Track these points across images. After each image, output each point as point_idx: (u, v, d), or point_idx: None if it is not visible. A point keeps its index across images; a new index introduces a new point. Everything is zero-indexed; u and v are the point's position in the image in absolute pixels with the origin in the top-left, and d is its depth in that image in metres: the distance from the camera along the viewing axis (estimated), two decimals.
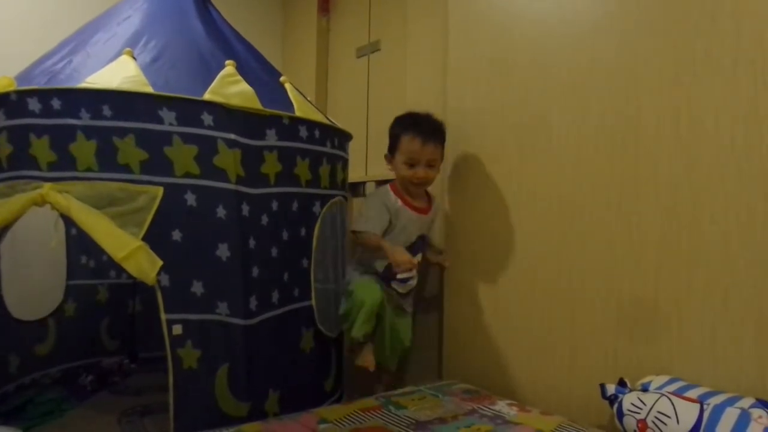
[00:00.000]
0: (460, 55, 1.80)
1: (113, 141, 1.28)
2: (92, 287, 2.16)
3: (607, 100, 1.34)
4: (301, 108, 1.56)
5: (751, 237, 1.08)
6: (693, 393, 1.06)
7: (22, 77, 1.40)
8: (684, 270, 1.18)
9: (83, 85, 1.30)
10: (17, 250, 1.88)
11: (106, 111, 1.28)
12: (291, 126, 1.50)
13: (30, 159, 1.30)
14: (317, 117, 1.62)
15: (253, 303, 1.40)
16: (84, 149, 1.28)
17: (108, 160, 1.28)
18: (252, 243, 1.41)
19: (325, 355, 1.66)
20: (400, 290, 1.69)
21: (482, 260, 1.68)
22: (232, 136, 1.37)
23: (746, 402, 0.99)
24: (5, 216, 1.29)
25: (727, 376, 1.10)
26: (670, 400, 1.03)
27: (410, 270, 1.60)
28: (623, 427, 1.10)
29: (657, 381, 1.14)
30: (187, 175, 1.32)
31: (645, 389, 1.13)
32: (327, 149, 1.63)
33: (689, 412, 0.99)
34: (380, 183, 1.96)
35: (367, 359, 1.60)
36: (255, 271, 1.42)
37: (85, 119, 1.28)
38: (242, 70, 1.47)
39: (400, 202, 1.65)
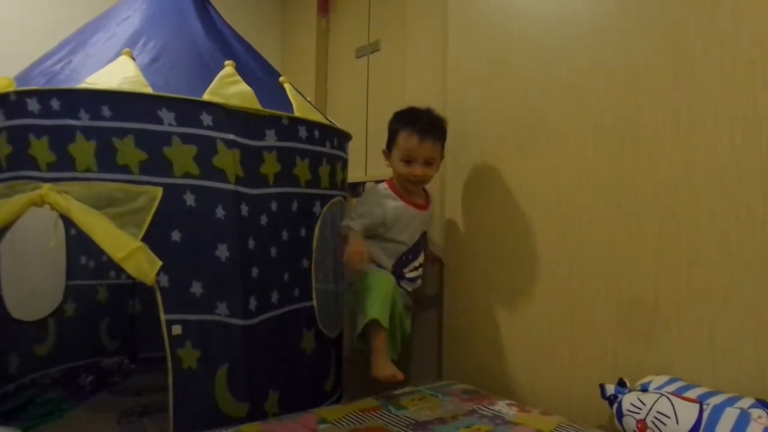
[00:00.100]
0: (460, 55, 1.80)
1: (112, 141, 1.28)
2: (92, 287, 2.15)
3: (607, 100, 1.34)
4: (301, 108, 1.56)
5: (750, 237, 1.08)
6: (692, 393, 1.06)
7: (21, 78, 1.40)
8: (683, 270, 1.18)
9: (82, 85, 1.30)
10: (17, 250, 1.88)
11: (106, 111, 1.28)
12: (290, 126, 1.50)
13: (29, 159, 1.30)
14: (317, 117, 1.62)
15: (252, 303, 1.40)
16: (83, 150, 1.28)
17: (107, 161, 1.28)
18: (251, 243, 1.41)
19: (325, 356, 1.66)
20: (409, 289, 1.67)
21: (482, 260, 1.68)
22: (231, 136, 1.37)
23: (746, 402, 0.99)
24: (4, 216, 1.29)
25: (726, 376, 1.10)
26: (669, 400, 1.03)
27: (361, 261, 1.46)
28: (623, 428, 1.10)
29: (656, 381, 1.14)
30: (187, 175, 1.32)
31: (644, 389, 1.13)
32: (326, 149, 1.63)
33: (689, 413, 0.99)
34: (380, 183, 1.95)
35: (387, 367, 1.40)
36: (254, 272, 1.42)
37: (84, 120, 1.28)
38: (241, 71, 1.47)
39: (399, 200, 1.61)
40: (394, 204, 1.59)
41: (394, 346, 1.58)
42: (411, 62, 2.07)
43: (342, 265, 1.69)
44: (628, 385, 1.17)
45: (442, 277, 1.83)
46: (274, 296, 1.47)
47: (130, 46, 1.41)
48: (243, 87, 1.42)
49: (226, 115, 1.36)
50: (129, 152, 1.28)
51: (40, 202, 1.27)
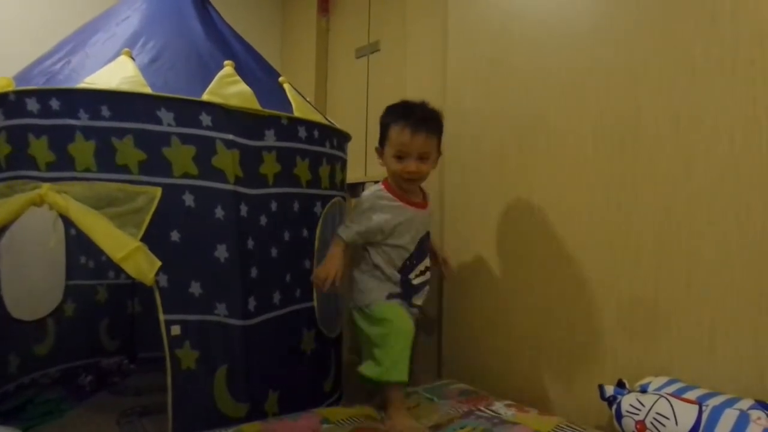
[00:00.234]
0: (460, 55, 1.80)
1: (112, 141, 1.28)
2: (91, 287, 2.16)
3: (607, 100, 1.34)
4: (300, 108, 1.56)
5: (750, 237, 1.08)
6: (692, 394, 1.06)
7: (20, 77, 1.40)
8: (683, 270, 1.18)
9: (82, 85, 1.31)
10: (17, 250, 1.88)
11: (105, 111, 1.28)
12: (290, 126, 1.50)
13: (28, 159, 1.30)
14: (316, 117, 1.62)
15: (251, 304, 1.40)
16: (82, 149, 1.28)
17: (106, 161, 1.28)
18: (251, 244, 1.41)
19: (325, 356, 1.66)
20: (419, 303, 1.52)
21: (481, 260, 1.68)
22: (231, 136, 1.37)
23: (745, 403, 0.99)
24: (4, 216, 1.29)
25: (726, 377, 1.10)
26: (668, 401, 1.03)
27: (324, 286, 1.36)
28: (622, 428, 1.10)
29: (656, 382, 1.14)
30: (186, 175, 1.32)
31: (644, 390, 1.13)
32: (326, 150, 1.63)
33: (688, 414, 0.99)
34: (375, 184, 1.92)
35: (407, 425, 1.28)
36: (254, 272, 1.41)
37: (83, 119, 1.28)
38: (241, 71, 1.47)
39: (396, 201, 1.47)
40: (390, 206, 1.47)
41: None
42: (411, 62, 2.06)
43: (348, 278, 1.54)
44: (627, 385, 1.17)
45: (441, 277, 1.79)
46: (276, 297, 1.47)
47: (130, 46, 1.41)
48: (242, 87, 1.42)
49: (225, 116, 1.36)
50: (128, 152, 1.28)
51: (39, 202, 1.27)
